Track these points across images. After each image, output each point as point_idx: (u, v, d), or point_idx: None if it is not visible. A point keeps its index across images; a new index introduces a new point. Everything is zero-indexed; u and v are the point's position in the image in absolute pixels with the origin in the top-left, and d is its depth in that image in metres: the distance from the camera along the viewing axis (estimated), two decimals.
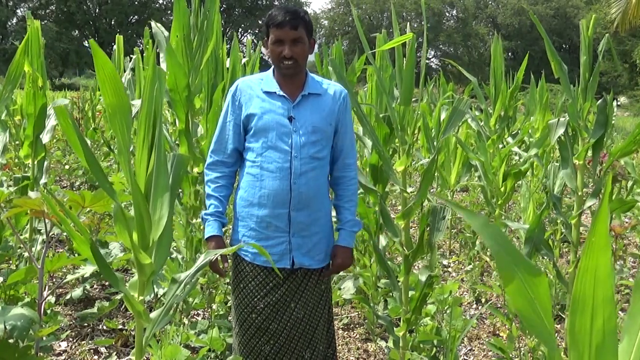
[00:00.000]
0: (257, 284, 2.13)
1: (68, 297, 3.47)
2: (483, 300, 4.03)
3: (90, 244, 1.46)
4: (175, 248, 3.63)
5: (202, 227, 3.34)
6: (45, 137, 3.47)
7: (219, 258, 2.14)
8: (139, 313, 1.53)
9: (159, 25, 3.48)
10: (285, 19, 2.02)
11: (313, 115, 2.11)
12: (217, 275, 3.22)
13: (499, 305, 3.91)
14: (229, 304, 3.26)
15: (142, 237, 1.49)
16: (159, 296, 3.13)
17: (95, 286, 3.75)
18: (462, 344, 3.36)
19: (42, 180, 3.51)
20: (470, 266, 4.48)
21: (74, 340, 3.10)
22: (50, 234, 2.17)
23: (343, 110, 2.18)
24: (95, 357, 2.96)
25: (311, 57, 2.56)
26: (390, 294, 3.47)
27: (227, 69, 3.97)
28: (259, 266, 2.13)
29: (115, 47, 6.14)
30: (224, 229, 2.20)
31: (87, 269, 2.37)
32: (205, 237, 2.14)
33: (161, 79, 1.47)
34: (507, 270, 0.81)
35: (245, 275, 2.15)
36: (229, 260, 2.28)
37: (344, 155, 2.21)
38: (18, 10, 35.28)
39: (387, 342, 3.15)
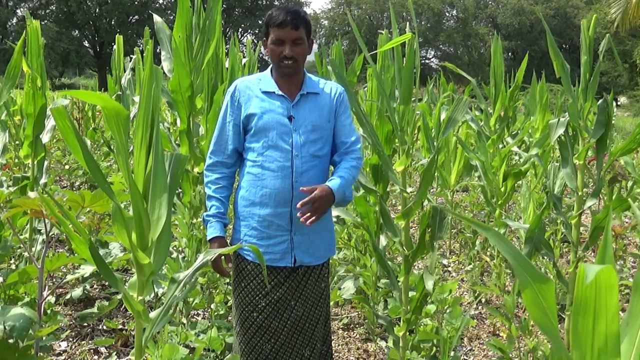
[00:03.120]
0: (258, 283, 2.13)
1: (68, 297, 3.47)
2: (483, 300, 4.03)
3: (89, 244, 1.45)
4: (175, 247, 3.62)
5: (202, 227, 3.35)
6: (45, 137, 3.47)
7: (222, 258, 2.14)
8: (139, 313, 1.53)
9: (160, 20, 3.47)
10: (286, 19, 2.03)
11: (312, 114, 2.11)
12: (217, 275, 3.23)
13: (499, 306, 3.90)
14: (228, 304, 3.26)
15: (141, 237, 1.49)
16: (159, 296, 3.13)
17: (95, 286, 3.75)
18: (462, 344, 3.36)
19: (42, 180, 3.51)
20: (470, 266, 4.48)
21: (74, 340, 3.10)
22: (50, 233, 2.17)
23: (340, 103, 2.17)
24: (95, 357, 2.96)
25: (311, 57, 2.56)
26: (390, 294, 3.47)
27: (227, 69, 3.98)
28: (260, 265, 2.13)
29: (115, 47, 6.14)
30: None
31: (87, 269, 2.37)
32: (208, 238, 2.13)
33: (158, 79, 1.47)
34: (523, 280, 0.89)
35: (246, 274, 2.16)
36: (232, 259, 2.29)
37: (346, 147, 2.18)
38: (18, 10, 35.24)
39: (387, 342, 3.15)
